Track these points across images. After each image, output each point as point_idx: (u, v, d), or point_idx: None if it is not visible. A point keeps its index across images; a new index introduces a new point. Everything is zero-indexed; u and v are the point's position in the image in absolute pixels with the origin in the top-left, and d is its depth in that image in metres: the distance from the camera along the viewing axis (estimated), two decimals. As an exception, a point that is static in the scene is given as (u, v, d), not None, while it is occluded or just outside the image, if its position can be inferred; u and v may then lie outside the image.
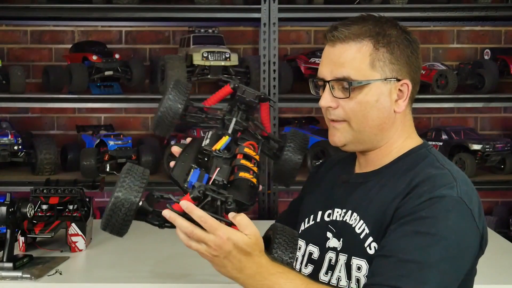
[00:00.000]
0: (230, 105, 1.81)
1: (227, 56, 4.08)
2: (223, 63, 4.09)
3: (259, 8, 4.04)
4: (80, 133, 4.43)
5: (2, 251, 2.43)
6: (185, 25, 4.44)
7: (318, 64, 4.25)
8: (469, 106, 4.60)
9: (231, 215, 1.46)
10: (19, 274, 2.36)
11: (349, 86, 1.59)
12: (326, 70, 1.64)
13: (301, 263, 1.75)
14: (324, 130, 4.29)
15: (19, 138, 4.09)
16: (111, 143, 4.10)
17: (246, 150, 1.68)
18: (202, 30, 4.25)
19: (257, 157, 1.69)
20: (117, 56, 4.26)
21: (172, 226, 1.59)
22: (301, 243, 1.76)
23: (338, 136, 1.68)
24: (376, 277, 1.48)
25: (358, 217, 1.62)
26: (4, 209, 2.37)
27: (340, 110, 1.64)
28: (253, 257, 1.46)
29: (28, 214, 2.46)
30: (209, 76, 4.11)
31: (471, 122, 4.74)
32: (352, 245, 1.62)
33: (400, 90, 1.62)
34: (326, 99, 1.64)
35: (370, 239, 1.58)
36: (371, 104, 1.61)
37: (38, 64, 4.62)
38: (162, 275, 2.45)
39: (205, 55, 4.05)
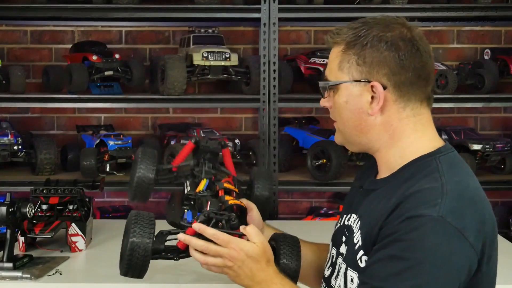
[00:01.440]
0: (196, 159, 2.03)
1: (227, 56, 4.08)
2: (223, 63, 4.09)
3: (259, 8, 4.04)
4: (80, 133, 4.43)
5: (2, 251, 2.43)
6: (185, 25, 4.44)
7: (318, 64, 4.27)
8: (469, 106, 4.60)
9: (241, 227, 1.61)
10: (19, 274, 2.36)
11: (325, 86, 1.66)
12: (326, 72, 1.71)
13: (326, 265, 1.76)
14: (324, 130, 4.30)
15: (19, 138, 4.09)
16: (111, 143, 4.10)
17: (226, 185, 1.87)
18: (202, 30, 4.25)
19: (236, 190, 1.90)
20: (117, 56, 4.26)
21: (187, 255, 1.74)
22: (330, 244, 1.79)
23: (336, 136, 1.72)
24: None
25: (359, 226, 1.60)
26: (4, 209, 2.37)
27: (331, 111, 1.71)
28: (261, 265, 1.59)
29: (28, 214, 2.46)
30: (209, 76, 4.11)
31: (471, 122, 4.74)
32: (350, 255, 1.61)
33: (374, 92, 1.58)
34: (321, 99, 1.71)
35: (361, 252, 1.56)
36: (342, 105, 1.63)
37: (38, 64, 4.62)
38: (162, 275, 2.45)
39: (205, 55, 4.05)
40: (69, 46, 4.50)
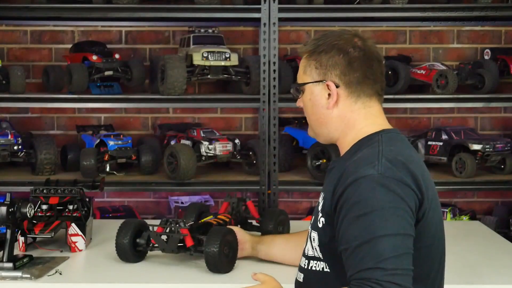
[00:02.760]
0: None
1: (227, 56, 4.08)
2: (223, 63, 4.09)
3: (259, 8, 4.04)
4: (80, 133, 4.43)
5: (2, 251, 2.43)
6: (185, 25, 4.44)
7: (318, 64, 4.27)
8: (469, 106, 4.60)
9: (252, 275, 1.93)
10: (19, 274, 2.36)
11: (294, 88, 2.01)
12: None
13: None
14: (324, 130, 4.29)
15: (19, 138, 4.09)
16: (111, 143, 4.10)
17: (219, 216, 2.71)
18: (202, 30, 4.25)
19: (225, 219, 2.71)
20: (117, 56, 4.26)
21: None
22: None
23: (308, 130, 2.04)
24: (348, 272, 1.67)
25: (322, 196, 1.89)
26: (4, 209, 2.37)
27: (304, 110, 2.02)
28: None
29: (28, 214, 2.46)
30: (209, 76, 4.11)
31: (471, 122, 4.74)
32: (315, 220, 1.89)
33: (330, 90, 1.90)
34: (297, 101, 2.03)
35: (320, 214, 1.85)
36: (307, 103, 1.97)
37: (38, 64, 4.62)
38: (162, 275, 2.45)
39: (205, 55, 4.05)
40: (69, 46, 4.50)
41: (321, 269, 1.86)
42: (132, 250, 2.52)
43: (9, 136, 4.06)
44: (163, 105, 4.44)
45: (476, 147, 4.13)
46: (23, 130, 4.48)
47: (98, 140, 4.18)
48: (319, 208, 1.87)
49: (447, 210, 4.29)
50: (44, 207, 2.71)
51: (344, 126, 1.93)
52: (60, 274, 2.41)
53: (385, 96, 4.59)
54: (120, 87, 4.28)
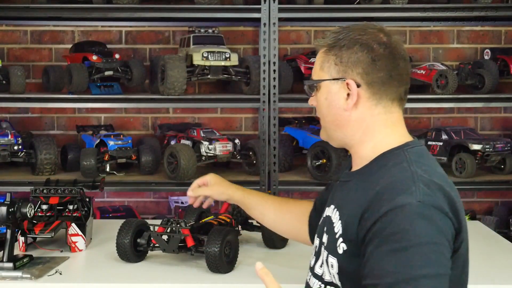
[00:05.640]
0: None
1: (227, 56, 4.08)
2: (223, 63, 4.09)
3: (259, 8, 4.04)
4: (80, 133, 4.43)
5: (2, 251, 2.43)
6: (185, 25, 4.44)
7: (318, 64, 4.27)
8: (469, 106, 4.60)
9: (258, 265, 1.56)
10: (19, 274, 2.36)
11: (309, 85, 1.83)
12: None
13: (312, 254, 1.85)
14: (324, 130, 4.29)
15: (19, 138, 4.09)
16: (111, 143, 4.10)
17: (220, 216, 2.70)
18: (202, 30, 4.25)
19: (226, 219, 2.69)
20: (117, 56, 4.26)
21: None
22: (316, 235, 1.88)
23: (321, 132, 1.87)
24: None
25: (338, 216, 1.71)
26: (4, 209, 2.37)
27: (316, 109, 1.85)
28: None
29: (28, 214, 2.46)
30: (209, 76, 4.11)
31: (471, 122, 4.74)
32: (330, 243, 1.71)
33: (349, 89, 1.73)
34: (309, 99, 1.85)
35: (341, 239, 1.66)
36: (322, 102, 1.78)
37: (38, 64, 4.62)
38: (163, 275, 2.45)
39: (205, 55, 4.05)
40: (69, 46, 4.50)
41: None
42: (132, 250, 2.52)
43: (9, 136, 4.06)
44: (163, 105, 4.44)
45: (476, 147, 4.13)
46: (23, 130, 4.48)
47: (98, 140, 4.19)
48: (337, 230, 1.68)
49: (447, 210, 4.29)
50: (44, 207, 2.71)
51: (361, 132, 1.74)
52: (60, 274, 2.41)
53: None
54: (120, 87, 4.28)
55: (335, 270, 1.67)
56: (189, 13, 4.15)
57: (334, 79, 1.74)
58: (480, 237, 3.04)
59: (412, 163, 1.64)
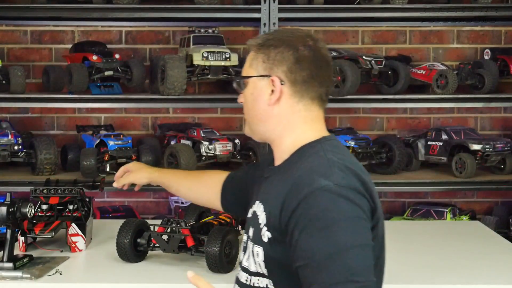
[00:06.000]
0: None
1: (227, 56, 4.08)
2: (223, 63, 4.09)
3: (259, 8, 4.04)
4: (80, 133, 4.43)
5: (2, 251, 2.43)
6: (185, 25, 4.44)
7: (318, 64, 4.27)
8: (469, 106, 4.60)
9: (190, 274, 1.63)
10: (19, 274, 2.36)
11: (237, 82, 1.97)
12: None
13: (240, 251, 1.95)
14: (324, 130, 4.29)
15: (19, 138, 4.09)
16: (111, 143, 4.10)
17: (221, 216, 2.72)
18: (202, 30, 4.25)
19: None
20: (117, 56, 4.26)
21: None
22: (244, 232, 1.96)
23: (245, 128, 1.98)
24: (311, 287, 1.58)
25: (262, 208, 1.79)
26: (4, 209, 2.37)
27: (243, 106, 1.96)
28: None
29: (28, 214, 2.46)
30: (209, 76, 4.11)
31: (471, 122, 4.74)
32: (256, 234, 1.79)
33: (274, 86, 1.83)
34: (238, 97, 1.97)
35: (265, 228, 1.75)
36: (248, 97, 1.90)
37: (38, 64, 4.62)
38: (163, 275, 2.45)
39: (205, 55, 4.05)
40: (69, 46, 4.50)
41: (264, 286, 1.77)
42: (133, 250, 2.52)
43: (9, 136, 4.06)
44: (163, 105, 4.44)
45: (476, 147, 4.13)
46: (23, 130, 4.48)
47: (98, 140, 4.18)
48: (261, 221, 1.76)
49: (447, 210, 4.29)
50: (44, 207, 2.71)
51: (282, 127, 1.86)
52: (60, 274, 2.41)
53: (385, 96, 4.58)
54: (120, 87, 4.28)
55: (260, 258, 1.75)
56: (189, 13, 4.15)
57: (260, 76, 1.86)
58: (480, 237, 3.04)
59: (327, 152, 1.76)
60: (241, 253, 1.91)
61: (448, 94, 4.17)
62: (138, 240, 2.56)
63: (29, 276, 2.36)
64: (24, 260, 2.46)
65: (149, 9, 4.13)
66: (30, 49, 4.66)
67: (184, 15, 4.17)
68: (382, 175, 4.26)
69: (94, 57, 4.19)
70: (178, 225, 2.49)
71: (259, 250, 1.76)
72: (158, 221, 2.60)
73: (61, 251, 2.67)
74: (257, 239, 1.77)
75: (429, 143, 4.34)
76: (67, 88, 4.17)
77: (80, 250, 2.69)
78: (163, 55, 4.16)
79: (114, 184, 2.59)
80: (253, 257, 1.79)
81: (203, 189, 2.39)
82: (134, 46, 4.66)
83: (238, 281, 1.88)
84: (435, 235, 3.08)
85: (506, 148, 4.20)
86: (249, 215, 1.89)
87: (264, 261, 1.74)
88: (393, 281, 2.39)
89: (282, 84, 1.83)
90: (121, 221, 2.60)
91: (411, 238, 3.03)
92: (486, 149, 4.12)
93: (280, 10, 4.05)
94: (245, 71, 1.93)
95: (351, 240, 1.58)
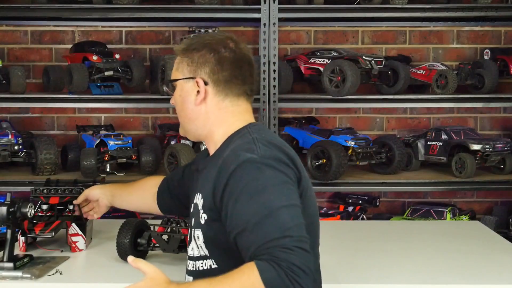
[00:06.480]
0: None
1: (227, 56, 4.07)
2: (223, 63, 4.08)
3: (259, 8, 4.05)
4: (80, 133, 4.43)
5: (2, 251, 2.44)
6: (185, 25, 4.44)
7: (318, 64, 4.27)
8: (469, 106, 4.60)
9: (130, 258, 1.79)
10: (19, 274, 2.36)
11: (167, 85, 2.09)
12: None
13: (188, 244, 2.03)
14: (324, 130, 4.30)
15: (20, 138, 4.09)
16: (111, 143, 4.10)
17: None
18: (202, 30, 4.25)
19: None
20: (117, 56, 4.26)
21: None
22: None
23: (180, 129, 2.09)
24: (249, 250, 1.68)
25: (201, 196, 1.90)
26: (4, 209, 2.37)
27: (176, 107, 2.08)
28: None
29: (29, 214, 2.46)
30: (209, 76, 4.11)
31: (471, 122, 4.74)
32: (195, 220, 1.92)
33: (199, 87, 1.96)
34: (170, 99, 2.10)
35: (201, 211, 1.87)
36: (178, 99, 2.03)
37: (38, 64, 4.62)
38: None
39: (205, 55, 4.04)
40: (69, 46, 4.50)
41: (208, 267, 1.89)
42: (133, 249, 2.52)
43: (10, 136, 4.06)
44: (163, 105, 4.44)
45: (476, 147, 4.14)
46: (23, 130, 4.48)
47: (98, 140, 4.18)
48: (200, 207, 1.88)
49: (446, 210, 4.29)
50: (45, 207, 2.71)
51: (211, 123, 1.98)
52: (61, 274, 2.41)
53: (385, 96, 4.58)
54: (120, 87, 4.28)
55: (201, 240, 1.88)
56: (189, 13, 4.15)
57: (185, 78, 1.98)
58: (480, 237, 3.04)
59: (253, 133, 1.90)
60: (189, 245, 2.00)
61: (448, 94, 4.17)
62: (138, 240, 2.56)
63: (29, 276, 2.36)
64: (24, 260, 2.46)
65: (149, 9, 4.14)
66: (30, 49, 4.66)
67: (184, 15, 4.17)
68: (382, 175, 4.26)
69: (94, 57, 4.19)
70: (178, 225, 2.49)
71: (199, 233, 1.89)
72: (158, 221, 2.60)
73: (62, 251, 2.67)
74: (196, 224, 1.90)
75: (429, 143, 4.35)
76: (67, 88, 4.17)
77: (81, 250, 2.69)
78: (163, 55, 4.17)
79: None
80: (195, 241, 1.91)
81: (141, 194, 2.54)
82: (134, 46, 4.66)
83: (187, 271, 2.00)
84: (435, 235, 3.08)
85: (506, 148, 4.20)
86: (192, 209, 1.98)
87: (204, 242, 1.88)
88: (393, 281, 2.39)
89: (206, 85, 1.96)
90: (121, 221, 2.61)
91: (411, 238, 3.03)
92: (486, 149, 4.12)
93: (280, 10, 4.06)
94: (173, 75, 2.04)
95: (280, 202, 1.71)
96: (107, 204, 2.62)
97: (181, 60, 2.01)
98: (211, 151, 2.01)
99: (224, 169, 1.79)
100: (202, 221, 1.87)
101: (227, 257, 1.82)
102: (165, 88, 2.12)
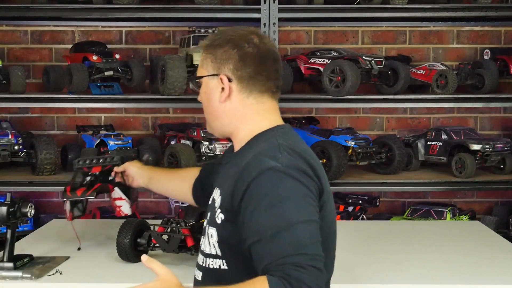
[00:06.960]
0: None
1: (227, 56, 4.07)
2: (223, 63, 4.08)
3: (259, 8, 4.05)
4: (80, 133, 4.43)
5: (2, 251, 2.44)
6: (185, 25, 4.44)
7: (318, 64, 4.27)
8: (469, 106, 4.60)
9: (144, 257, 1.68)
10: (19, 274, 2.36)
11: (193, 83, 2.08)
12: None
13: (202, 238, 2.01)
14: (324, 130, 4.30)
15: (20, 138, 4.09)
16: (111, 143, 4.10)
17: None
18: (202, 30, 4.25)
19: None
20: (117, 56, 4.26)
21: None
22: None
23: (207, 126, 2.06)
24: (263, 262, 1.66)
25: (219, 193, 1.89)
26: (4, 209, 2.37)
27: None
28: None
29: (29, 214, 2.47)
30: (209, 76, 4.11)
31: (471, 122, 4.74)
32: (211, 217, 1.89)
33: (223, 83, 1.92)
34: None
35: (219, 210, 1.84)
36: (203, 96, 1.99)
37: (38, 64, 4.62)
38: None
39: (205, 55, 4.04)
40: (69, 46, 4.50)
41: (218, 267, 1.86)
42: (133, 249, 2.53)
43: (10, 136, 4.05)
44: (163, 105, 4.44)
45: (476, 147, 4.13)
46: (23, 130, 4.48)
47: (98, 140, 4.18)
48: (216, 204, 1.86)
49: (446, 210, 4.29)
50: (88, 178, 2.67)
51: (236, 120, 1.95)
52: (61, 274, 2.42)
53: (385, 96, 4.57)
54: (120, 87, 4.28)
55: (214, 239, 1.85)
56: (189, 13, 4.15)
57: (210, 75, 1.95)
58: (480, 237, 3.04)
59: (279, 138, 1.86)
60: (202, 239, 1.98)
61: (448, 94, 4.17)
62: (138, 240, 2.56)
63: (29, 276, 2.36)
64: (24, 260, 2.46)
65: (149, 9, 4.14)
66: (30, 49, 4.66)
67: (184, 15, 4.17)
68: (382, 175, 4.26)
69: (94, 57, 4.19)
70: (178, 225, 2.49)
71: (213, 231, 1.86)
72: (158, 221, 2.61)
73: (79, 249, 2.69)
74: (212, 222, 1.87)
75: (429, 143, 4.35)
76: (67, 88, 4.17)
77: (126, 214, 2.67)
78: (163, 55, 4.16)
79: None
80: (208, 238, 1.88)
81: (180, 183, 2.49)
82: (134, 46, 4.66)
83: (197, 264, 1.98)
84: (435, 235, 3.08)
85: (506, 148, 4.20)
86: (210, 202, 1.97)
87: (217, 241, 1.85)
88: (393, 281, 2.39)
89: (230, 82, 1.92)
90: (121, 221, 2.61)
91: (411, 238, 3.03)
92: (486, 149, 4.12)
93: (280, 10, 4.05)
94: (198, 72, 2.01)
95: (298, 216, 1.68)
96: (141, 185, 2.59)
97: (206, 57, 1.98)
98: (236, 148, 1.99)
99: (246, 174, 1.76)
100: (218, 221, 1.84)
101: (238, 260, 1.80)
102: (191, 85, 2.09)
